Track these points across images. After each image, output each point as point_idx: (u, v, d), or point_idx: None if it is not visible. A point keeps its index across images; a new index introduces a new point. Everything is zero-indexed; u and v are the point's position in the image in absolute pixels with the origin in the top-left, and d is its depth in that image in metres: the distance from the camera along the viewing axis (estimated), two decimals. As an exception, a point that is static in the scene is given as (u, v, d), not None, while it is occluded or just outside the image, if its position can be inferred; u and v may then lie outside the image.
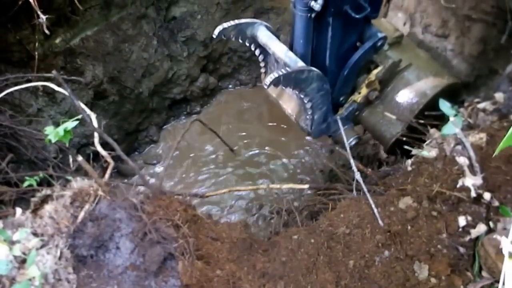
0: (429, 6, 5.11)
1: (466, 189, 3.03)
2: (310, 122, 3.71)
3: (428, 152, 3.39)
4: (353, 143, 4.18)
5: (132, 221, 3.01)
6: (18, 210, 3.07)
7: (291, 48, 3.63)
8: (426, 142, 3.58)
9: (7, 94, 4.19)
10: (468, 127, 3.53)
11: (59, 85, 3.81)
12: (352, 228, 3.25)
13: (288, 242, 3.35)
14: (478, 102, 3.73)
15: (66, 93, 3.49)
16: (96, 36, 6.50)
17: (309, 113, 3.64)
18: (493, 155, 2.87)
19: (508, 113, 3.47)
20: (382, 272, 3.06)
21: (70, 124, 3.18)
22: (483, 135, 3.25)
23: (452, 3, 4.57)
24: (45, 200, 3.10)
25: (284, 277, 3.16)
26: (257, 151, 7.26)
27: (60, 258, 2.83)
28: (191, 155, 7.25)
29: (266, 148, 7.18)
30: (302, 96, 3.49)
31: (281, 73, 3.19)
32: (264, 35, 3.59)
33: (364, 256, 3.12)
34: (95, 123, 3.64)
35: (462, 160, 3.13)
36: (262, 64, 3.82)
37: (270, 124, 7.68)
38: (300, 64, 3.44)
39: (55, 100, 6.17)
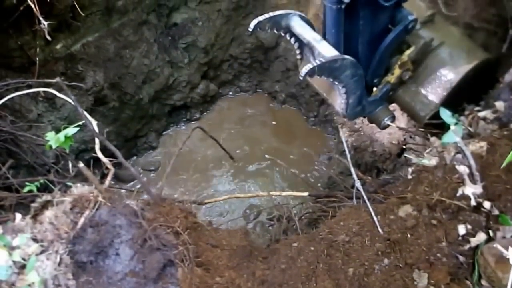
0: (429, 15, 5.12)
1: (466, 198, 3.03)
2: (345, 106, 3.74)
3: (429, 160, 3.39)
4: (388, 122, 4.18)
5: (132, 228, 3.00)
6: (18, 216, 3.06)
7: (324, 37, 3.67)
8: (427, 151, 3.58)
9: (8, 99, 4.19)
10: (469, 136, 3.52)
11: (59, 91, 3.82)
12: (351, 236, 3.25)
13: (288, 250, 3.35)
14: (479, 111, 3.73)
15: (69, 99, 3.50)
16: (97, 42, 6.51)
17: (343, 98, 3.68)
18: (501, 166, 2.87)
19: (509, 122, 3.47)
20: (381, 280, 3.06)
21: (71, 130, 3.19)
22: (483, 144, 3.25)
23: (454, 11, 4.57)
24: (45, 205, 3.10)
25: (284, 284, 3.16)
26: (257, 158, 7.27)
27: (59, 264, 2.83)
28: (191, 161, 7.26)
29: (266, 155, 7.18)
30: (336, 83, 3.52)
31: (315, 64, 3.22)
32: (298, 25, 3.64)
33: (364, 264, 3.12)
34: (97, 130, 3.65)
35: (462, 169, 3.13)
36: (297, 51, 3.86)
37: (271, 130, 7.69)
38: (334, 53, 3.46)
39: (55, 106, 6.18)
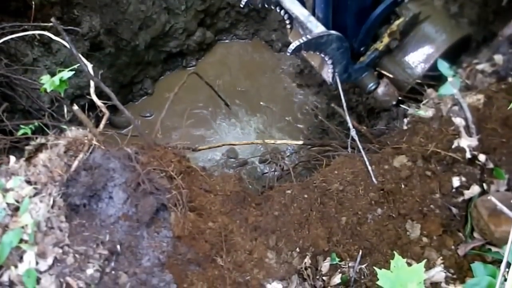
0: (430, -33, 5.06)
1: (461, 150, 3.04)
2: (332, 75, 3.90)
3: (425, 111, 3.39)
4: (373, 87, 4.34)
5: (125, 171, 3.00)
6: (12, 158, 3.06)
7: (313, 10, 3.79)
8: (423, 102, 3.57)
9: (3, 43, 4.16)
10: (466, 88, 3.52)
11: (56, 34, 3.78)
12: (345, 185, 3.26)
13: (282, 197, 3.36)
14: (477, 64, 3.71)
15: (65, 42, 3.47)
16: (93, -14, 6.43)
17: (330, 67, 3.83)
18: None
19: (507, 75, 3.46)
20: (374, 230, 3.08)
21: (66, 74, 3.17)
22: (480, 97, 3.25)
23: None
24: (39, 148, 3.10)
25: (276, 231, 3.18)
26: (253, 105, 7.24)
27: (53, 206, 2.83)
28: (186, 108, 7.22)
29: (262, 102, 7.14)
30: (323, 55, 3.65)
31: (302, 41, 3.41)
32: (287, 0, 3.77)
33: (357, 213, 3.14)
34: (92, 73, 3.62)
35: (459, 121, 3.13)
36: (287, 22, 4.00)
37: (267, 78, 7.65)
38: (320, 28, 3.66)
39: (51, 51, 6.12)
